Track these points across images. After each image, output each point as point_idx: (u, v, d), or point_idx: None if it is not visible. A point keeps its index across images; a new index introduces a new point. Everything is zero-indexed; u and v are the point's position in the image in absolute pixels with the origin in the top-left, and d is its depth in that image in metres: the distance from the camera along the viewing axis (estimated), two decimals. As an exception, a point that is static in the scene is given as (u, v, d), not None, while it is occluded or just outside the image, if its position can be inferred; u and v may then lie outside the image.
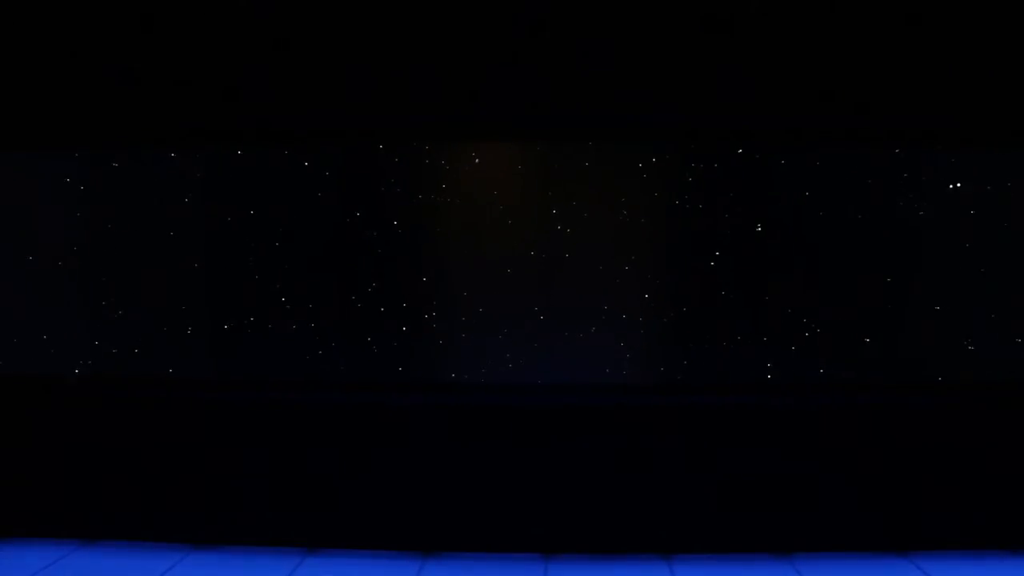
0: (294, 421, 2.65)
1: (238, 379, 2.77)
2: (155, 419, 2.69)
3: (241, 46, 2.64)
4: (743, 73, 2.56)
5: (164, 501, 2.70)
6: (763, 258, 2.64)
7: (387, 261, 2.71)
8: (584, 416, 2.60)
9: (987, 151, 2.59)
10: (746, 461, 2.59)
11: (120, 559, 2.57)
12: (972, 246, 2.62)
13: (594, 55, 2.57)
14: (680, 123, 2.60)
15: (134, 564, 2.53)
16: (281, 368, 2.75)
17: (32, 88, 2.70)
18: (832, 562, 2.53)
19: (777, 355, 2.66)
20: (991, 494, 2.59)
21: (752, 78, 2.56)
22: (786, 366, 2.66)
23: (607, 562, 2.56)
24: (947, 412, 2.58)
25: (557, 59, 2.58)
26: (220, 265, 2.75)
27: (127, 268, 2.78)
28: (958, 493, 2.59)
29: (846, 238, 2.63)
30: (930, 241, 2.63)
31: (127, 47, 2.66)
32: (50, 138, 2.75)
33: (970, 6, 2.51)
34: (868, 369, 2.66)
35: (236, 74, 2.65)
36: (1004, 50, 2.52)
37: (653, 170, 2.66)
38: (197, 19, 2.63)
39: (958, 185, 2.60)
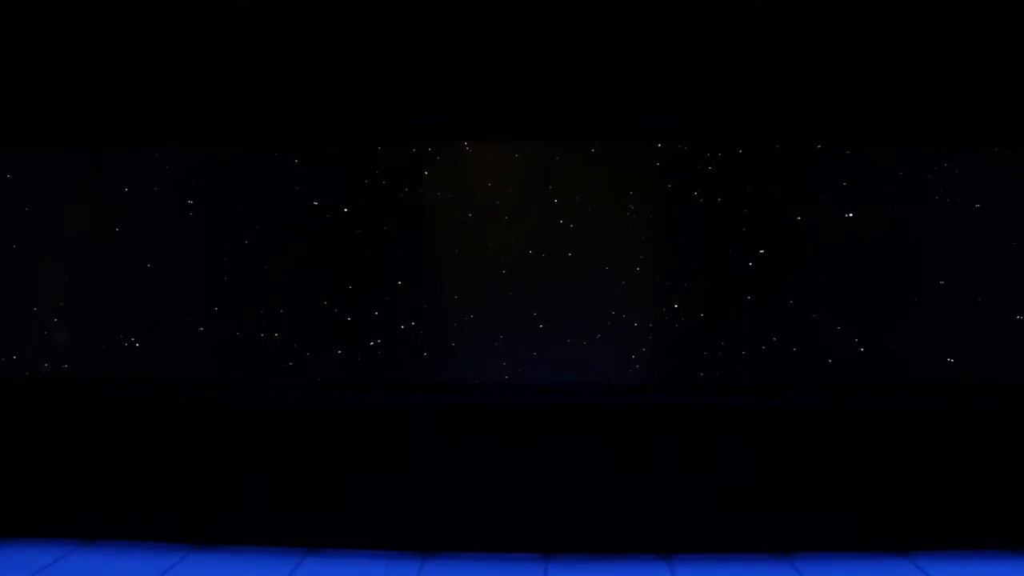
0: (294, 421, 2.65)
1: (238, 379, 2.77)
2: (155, 419, 2.69)
3: (241, 46, 2.64)
4: (743, 74, 2.57)
5: (164, 501, 2.70)
6: (763, 258, 2.64)
7: (387, 262, 2.71)
8: (584, 416, 2.60)
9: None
10: (746, 461, 2.59)
11: (120, 559, 2.57)
12: (975, 247, 2.62)
13: (594, 55, 2.57)
14: (680, 123, 2.60)
15: (134, 564, 2.53)
16: (281, 368, 2.75)
17: (32, 88, 2.70)
18: (832, 562, 2.53)
19: (777, 355, 2.66)
20: (991, 494, 2.59)
21: (752, 78, 2.57)
22: (786, 366, 2.66)
23: (607, 562, 2.56)
24: (948, 412, 2.58)
25: (557, 59, 2.59)
26: (220, 265, 2.75)
27: (127, 268, 2.78)
28: (958, 493, 2.59)
29: (846, 238, 2.63)
30: (930, 241, 2.63)
31: (127, 47, 2.66)
32: (50, 138, 2.75)
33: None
34: (868, 369, 2.66)
35: (236, 74, 2.65)
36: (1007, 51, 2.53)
37: (653, 170, 2.66)
38: (197, 19, 2.64)
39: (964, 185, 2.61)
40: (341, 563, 2.55)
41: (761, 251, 2.64)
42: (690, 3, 2.56)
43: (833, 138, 2.61)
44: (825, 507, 2.59)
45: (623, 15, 2.56)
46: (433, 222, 2.70)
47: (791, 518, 2.59)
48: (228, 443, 2.67)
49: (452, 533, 2.63)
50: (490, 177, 2.68)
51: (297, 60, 2.63)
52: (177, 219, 2.76)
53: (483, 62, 2.60)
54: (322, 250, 2.72)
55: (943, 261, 2.63)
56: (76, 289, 2.79)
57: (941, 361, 2.65)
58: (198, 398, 2.68)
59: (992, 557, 2.55)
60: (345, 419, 2.64)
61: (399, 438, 2.64)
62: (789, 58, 2.56)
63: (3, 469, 2.74)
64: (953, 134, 2.58)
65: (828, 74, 2.56)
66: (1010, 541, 2.59)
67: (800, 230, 2.64)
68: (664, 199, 2.66)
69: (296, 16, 2.62)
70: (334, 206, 2.71)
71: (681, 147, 2.65)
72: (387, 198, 2.70)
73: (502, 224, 2.69)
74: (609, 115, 2.60)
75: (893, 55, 2.55)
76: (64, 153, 2.77)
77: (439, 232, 2.70)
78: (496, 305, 2.70)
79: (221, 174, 2.73)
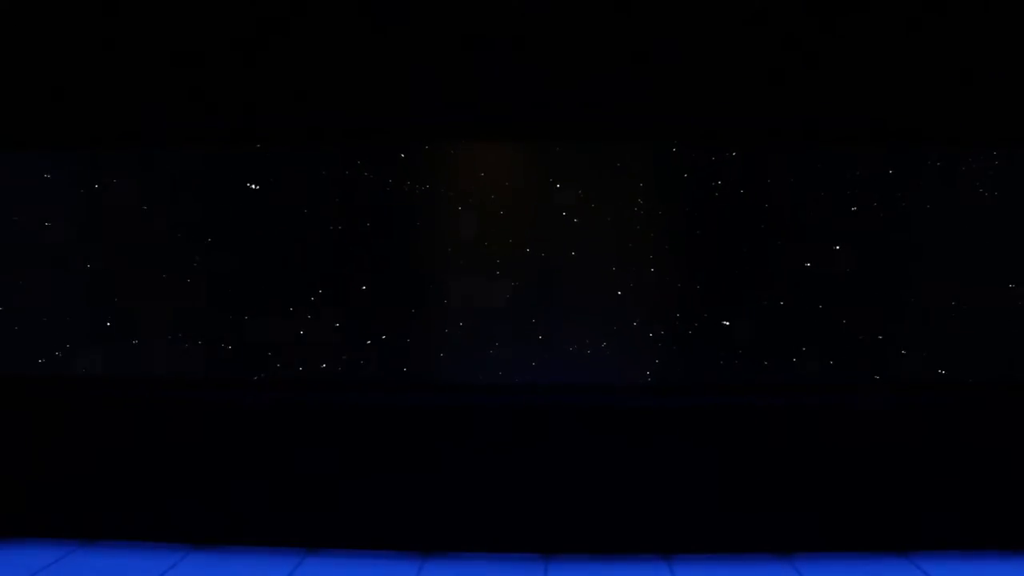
0: (294, 421, 2.65)
1: (238, 379, 2.77)
2: (155, 419, 2.69)
3: (241, 45, 2.64)
4: (744, 73, 2.57)
5: (164, 501, 2.70)
6: (763, 258, 2.64)
7: (387, 262, 2.71)
8: (584, 416, 2.60)
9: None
10: (745, 461, 2.59)
11: (120, 559, 2.57)
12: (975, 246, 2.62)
13: (595, 55, 2.58)
14: (680, 123, 2.60)
15: (134, 564, 2.53)
16: (281, 368, 2.75)
17: (31, 88, 2.70)
18: (832, 562, 2.53)
19: (778, 355, 2.66)
20: (991, 494, 2.58)
21: (750, 78, 2.57)
22: (786, 366, 2.66)
23: (607, 562, 2.55)
24: (948, 412, 2.58)
25: (557, 59, 2.59)
26: (220, 264, 2.75)
27: (127, 268, 2.78)
28: (958, 493, 2.58)
29: (846, 239, 2.63)
30: (930, 241, 2.63)
31: (127, 46, 2.66)
32: (50, 138, 2.75)
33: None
34: (868, 369, 2.65)
35: (236, 73, 2.65)
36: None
37: (653, 170, 2.66)
38: (197, 18, 2.64)
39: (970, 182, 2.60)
40: (341, 563, 2.55)
41: (761, 251, 2.64)
42: (691, 3, 2.55)
43: (829, 139, 2.61)
44: (825, 507, 2.59)
45: (623, 15, 2.56)
46: (433, 222, 2.69)
47: (791, 518, 2.59)
48: (228, 443, 2.67)
49: (452, 533, 2.63)
50: (490, 177, 2.68)
51: (296, 59, 2.63)
52: (177, 219, 2.76)
53: (484, 62, 2.60)
54: (322, 250, 2.72)
55: (942, 261, 2.63)
56: (76, 289, 2.80)
57: (941, 361, 2.65)
58: (198, 398, 2.68)
59: (992, 557, 2.54)
60: (345, 419, 2.64)
61: (398, 438, 2.64)
62: (794, 59, 2.56)
63: (3, 469, 2.74)
64: (954, 133, 2.58)
65: (836, 78, 2.56)
66: (1010, 541, 2.59)
67: (801, 230, 2.63)
68: (667, 199, 2.66)
69: (296, 16, 2.62)
70: (333, 205, 2.71)
71: (681, 146, 2.65)
72: (387, 198, 2.70)
73: (502, 223, 2.69)
74: (609, 114, 2.60)
75: (891, 57, 2.55)
76: (64, 153, 2.77)
77: (439, 232, 2.70)
78: (497, 304, 2.70)
79: (220, 173, 2.73)
